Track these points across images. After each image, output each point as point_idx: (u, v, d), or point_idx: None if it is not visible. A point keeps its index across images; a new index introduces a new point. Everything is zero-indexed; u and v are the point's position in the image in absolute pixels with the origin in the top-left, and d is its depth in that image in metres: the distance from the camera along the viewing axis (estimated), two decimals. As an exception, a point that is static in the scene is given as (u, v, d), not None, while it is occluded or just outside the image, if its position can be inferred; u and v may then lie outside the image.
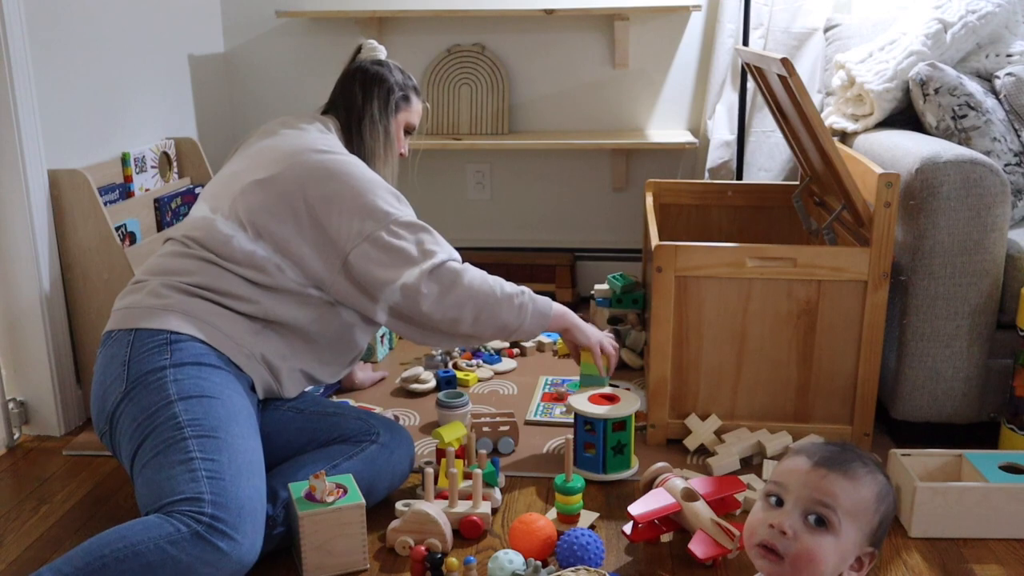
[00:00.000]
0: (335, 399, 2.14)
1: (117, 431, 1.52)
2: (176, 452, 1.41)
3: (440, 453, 1.81)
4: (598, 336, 1.89)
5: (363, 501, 1.51)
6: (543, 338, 2.57)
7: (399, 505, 1.66)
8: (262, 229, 1.65)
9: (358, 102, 1.87)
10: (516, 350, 2.53)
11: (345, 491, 1.52)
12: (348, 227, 1.65)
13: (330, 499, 1.49)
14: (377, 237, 1.65)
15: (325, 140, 1.76)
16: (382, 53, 1.95)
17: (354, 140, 1.86)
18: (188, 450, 1.41)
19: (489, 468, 1.70)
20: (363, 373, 2.31)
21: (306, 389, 1.80)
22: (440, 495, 1.68)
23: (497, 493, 1.72)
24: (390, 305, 1.68)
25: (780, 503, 1.10)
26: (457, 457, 1.74)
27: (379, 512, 1.68)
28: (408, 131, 1.95)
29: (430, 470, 1.65)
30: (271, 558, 1.56)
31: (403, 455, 1.73)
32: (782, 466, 1.14)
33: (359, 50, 1.94)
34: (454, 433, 1.83)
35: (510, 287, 1.74)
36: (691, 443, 1.92)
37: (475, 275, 1.71)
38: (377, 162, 1.86)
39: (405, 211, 1.71)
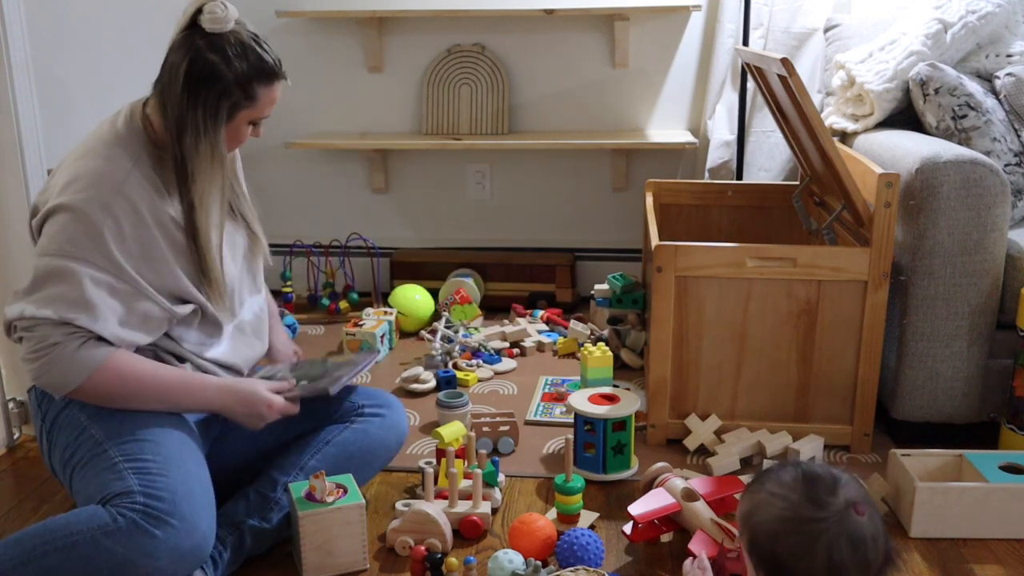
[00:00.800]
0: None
1: (59, 475, 1.49)
2: (100, 463, 1.39)
3: (440, 453, 1.81)
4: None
5: (363, 501, 1.51)
6: (543, 338, 2.57)
7: (399, 505, 1.66)
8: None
9: (180, 107, 1.43)
10: (516, 350, 2.53)
11: (345, 491, 1.52)
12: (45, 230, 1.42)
13: (330, 499, 1.49)
14: (36, 259, 1.42)
15: (94, 145, 1.47)
16: (229, 22, 1.44)
17: (173, 148, 1.45)
18: (111, 458, 1.39)
19: (489, 468, 1.71)
20: (279, 341, 1.89)
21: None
22: (440, 495, 1.68)
23: (497, 493, 1.72)
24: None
25: None
26: (457, 457, 1.74)
27: (379, 512, 1.68)
28: (256, 123, 1.53)
29: (430, 470, 1.65)
30: (271, 559, 1.56)
31: (395, 421, 1.72)
32: None
33: (199, 10, 1.46)
34: (454, 433, 1.83)
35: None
36: (691, 443, 1.92)
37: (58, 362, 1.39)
38: (201, 182, 1.47)
39: (86, 255, 1.39)
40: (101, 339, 1.40)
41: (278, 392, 1.56)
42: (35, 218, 1.48)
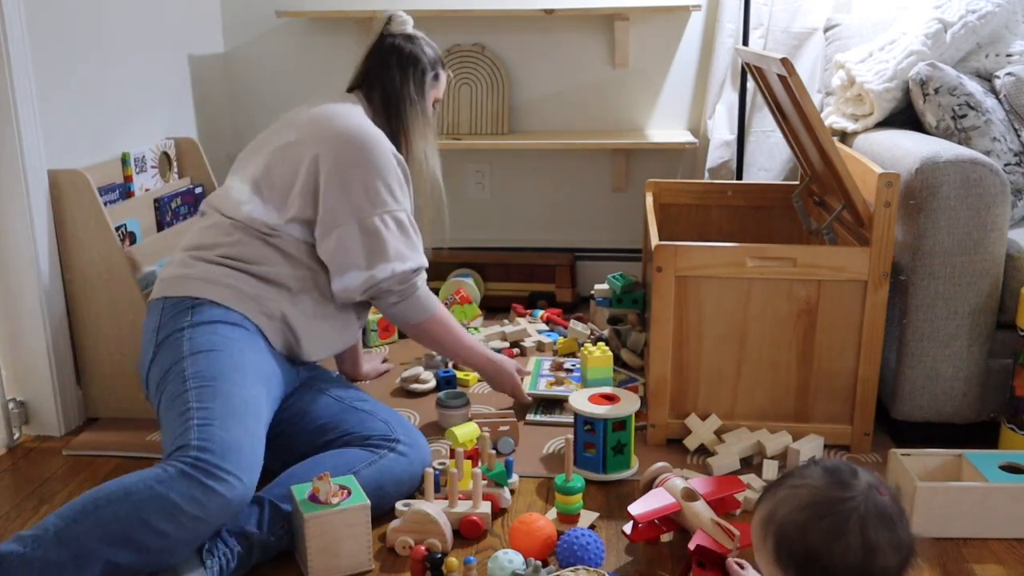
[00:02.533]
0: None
1: (150, 391, 1.67)
2: (179, 404, 1.55)
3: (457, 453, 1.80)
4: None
5: (368, 502, 1.51)
6: (543, 338, 2.57)
7: (399, 505, 1.66)
8: (266, 189, 1.76)
9: (395, 83, 1.88)
10: (516, 350, 2.53)
11: (349, 492, 1.52)
12: (346, 201, 1.74)
13: (335, 500, 1.49)
14: (368, 223, 1.74)
15: (355, 111, 1.84)
16: (411, 25, 1.95)
17: (392, 121, 1.88)
18: (187, 401, 1.54)
19: (499, 468, 1.70)
20: (368, 364, 2.35)
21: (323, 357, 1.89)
22: (461, 496, 1.67)
23: (507, 493, 1.72)
24: (345, 286, 1.77)
25: None
26: (468, 458, 1.74)
27: (380, 513, 1.68)
28: (435, 104, 1.98)
29: (429, 470, 1.65)
30: (274, 560, 1.56)
31: (419, 463, 1.73)
32: None
33: (389, 21, 1.93)
34: (468, 434, 1.82)
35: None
36: (691, 443, 1.92)
37: (429, 296, 1.87)
38: (419, 141, 1.91)
39: (403, 205, 1.80)
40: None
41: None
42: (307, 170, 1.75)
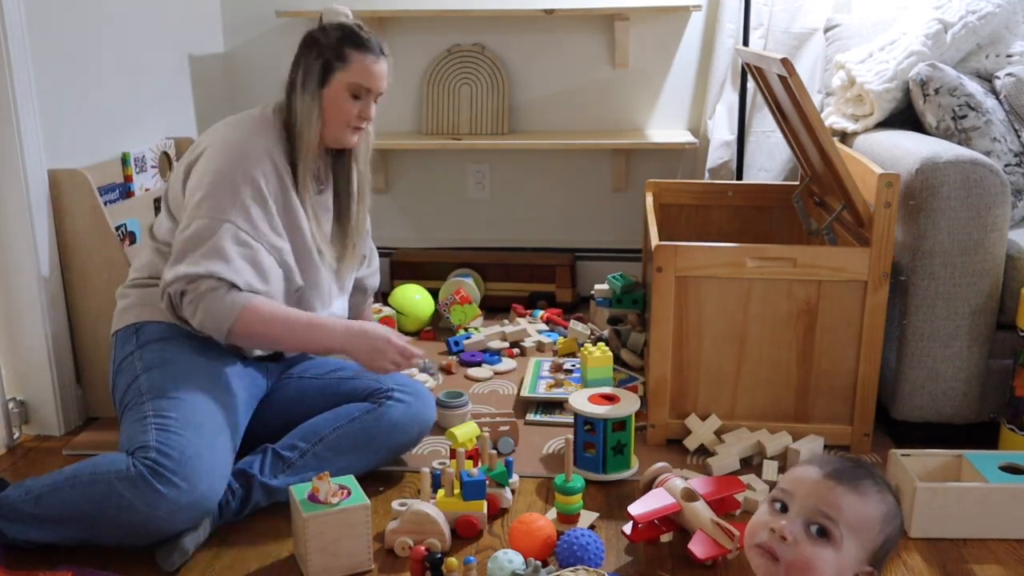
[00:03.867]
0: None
1: (119, 415, 1.69)
2: (136, 413, 1.60)
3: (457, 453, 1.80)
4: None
5: (368, 502, 1.51)
6: (543, 338, 2.57)
7: (395, 505, 1.66)
8: (169, 202, 1.76)
9: (290, 72, 1.75)
10: (516, 350, 2.53)
11: (349, 492, 1.52)
12: (187, 203, 1.66)
13: (335, 500, 1.49)
14: (185, 231, 1.63)
15: (239, 118, 1.76)
16: (342, 15, 1.77)
17: (290, 120, 1.74)
18: (145, 411, 1.59)
19: (500, 468, 1.70)
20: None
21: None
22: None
23: (508, 493, 1.72)
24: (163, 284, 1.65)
25: (785, 509, 1.11)
26: (469, 458, 1.74)
27: (377, 512, 1.68)
28: (357, 94, 1.74)
29: (427, 470, 1.65)
30: (275, 562, 1.56)
31: (421, 408, 1.81)
32: (792, 473, 1.15)
33: (321, 18, 1.78)
34: (468, 434, 1.82)
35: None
36: (691, 443, 1.92)
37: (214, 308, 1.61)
38: (303, 134, 1.72)
39: (229, 215, 1.62)
40: (236, 287, 1.62)
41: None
42: (184, 183, 1.70)
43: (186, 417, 1.57)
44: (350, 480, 1.56)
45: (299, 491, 1.52)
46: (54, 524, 1.51)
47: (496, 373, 2.39)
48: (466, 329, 2.60)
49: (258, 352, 1.80)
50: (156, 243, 1.78)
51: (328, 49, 1.71)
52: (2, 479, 1.59)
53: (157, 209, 2.32)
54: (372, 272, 2.13)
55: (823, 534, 1.07)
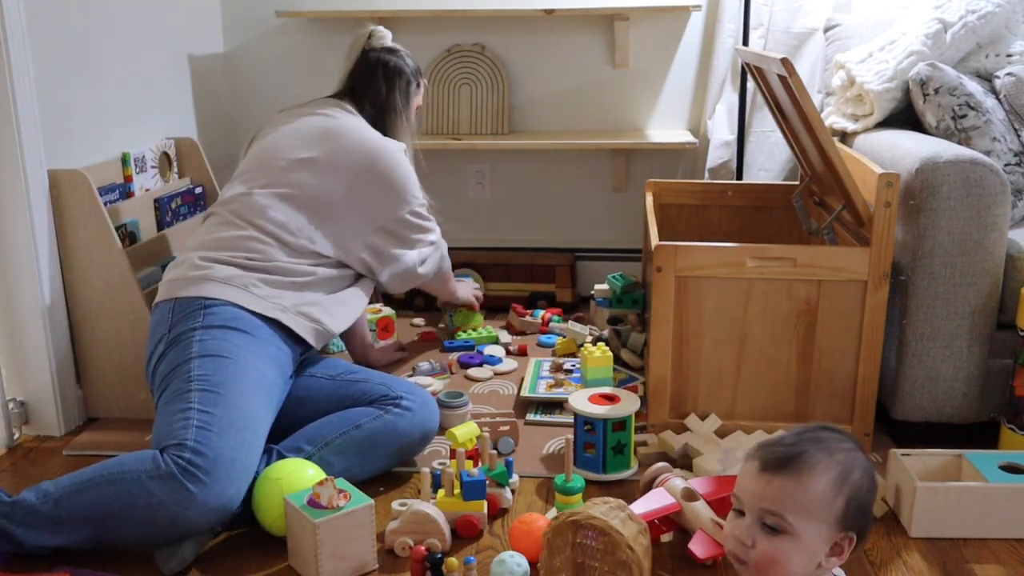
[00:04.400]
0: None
1: (154, 384, 1.72)
2: (180, 401, 1.60)
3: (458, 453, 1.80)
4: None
5: (372, 501, 1.51)
6: (543, 339, 2.56)
7: (395, 505, 1.66)
8: (308, 200, 1.90)
9: (382, 95, 2.10)
10: (515, 349, 2.53)
11: (349, 494, 1.51)
12: (384, 204, 1.98)
13: (341, 504, 1.48)
14: (404, 219, 2.01)
15: (360, 123, 2.04)
16: (390, 39, 2.16)
17: (381, 130, 2.07)
18: (189, 402, 1.59)
19: (500, 468, 1.70)
20: (380, 352, 2.39)
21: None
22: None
23: (508, 493, 1.72)
24: (393, 272, 2.03)
25: (742, 513, 1.13)
26: (469, 458, 1.74)
27: (377, 513, 1.67)
28: (417, 110, 2.21)
29: (427, 470, 1.65)
30: (274, 563, 1.56)
31: (426, 418, 1.82)
32: (740, 473, 1.16)
33: (370, 36, 2.13)
34: (467, 434, 1.82)
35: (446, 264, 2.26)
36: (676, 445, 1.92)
37: (445, 253, 2.23)
38: (408, 150, 2.10)
39: (422, 197, 2.07)
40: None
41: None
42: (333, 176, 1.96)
43: (229, 417, 1.58)
44: (342, 482, 1.55)
45: (297, 499, 1.51)
46: (73, 526, 1.50)
47: (496, 373, 2.39)
48: (466, 331, 2.60)
49: (330, 345, 2.02)
50: (263, 226, 1.86)
51: (412, 77, 2.15)
52: (4, 491, 1.56)
53: (158, 209, 2.32)
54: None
55: (776, 529, 1.09)
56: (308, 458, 1.69)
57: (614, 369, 2.22)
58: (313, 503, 1.48)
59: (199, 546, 1.56)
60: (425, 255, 2.10)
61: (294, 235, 1.87)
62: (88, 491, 1.50)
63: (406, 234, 2.03)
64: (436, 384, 2.28)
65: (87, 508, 1.50)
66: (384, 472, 1.82)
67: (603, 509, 1.36)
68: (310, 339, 1.85)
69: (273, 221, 1.86)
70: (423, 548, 1.49)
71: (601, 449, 1.80)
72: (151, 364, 1.74)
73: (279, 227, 1.87)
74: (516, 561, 1.45)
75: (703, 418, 1.93)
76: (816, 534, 1.09)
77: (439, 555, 1.46)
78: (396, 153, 2.01)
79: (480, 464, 1.75)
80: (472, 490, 1.62)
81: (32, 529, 1.50)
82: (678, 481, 1.60)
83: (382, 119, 2.10)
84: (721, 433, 1.91)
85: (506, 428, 1.93)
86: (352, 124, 2.02)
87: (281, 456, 1.69)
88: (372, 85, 2.10)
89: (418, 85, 2.17)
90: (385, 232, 2.00)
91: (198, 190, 2.49)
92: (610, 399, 1.84)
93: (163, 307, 1.77)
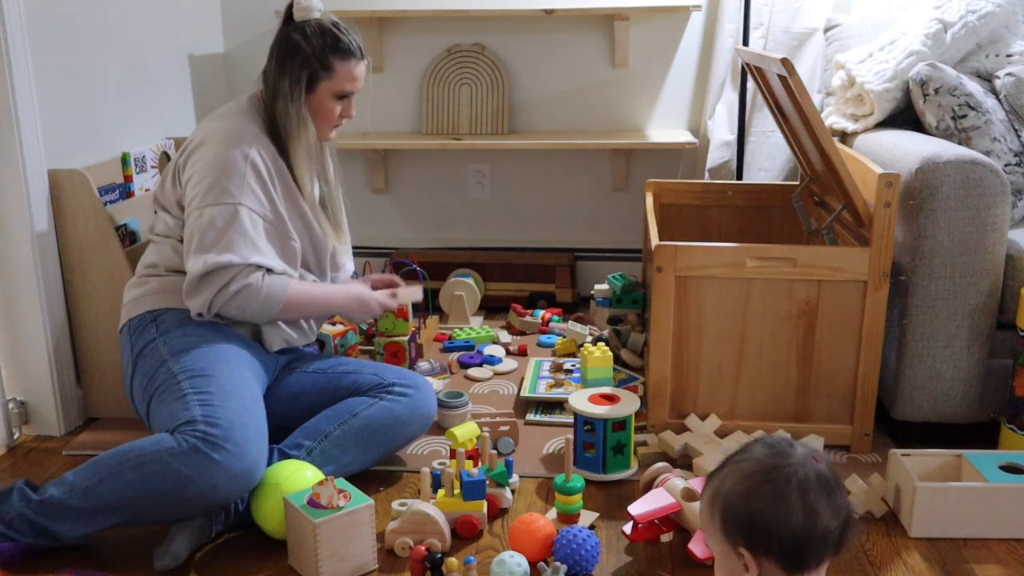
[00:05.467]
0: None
1: (137, 402, 1.73)
2: (173, 393, 1.62)
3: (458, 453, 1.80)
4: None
5: (372, 501, 1.51)
6: (543, 339, 2.57)
7: (395, 505, 1.66)
8: (161, 199, 1.82)
9: (273, 77, 1.78)
10: (515, 349, 2.53)
11: (349, 494, 1.51)
12: (191, 194, 1.71)
13: (341, 504, 1.48)
14: (198, 213, 1.68)
15: (226, 110, 1.82)
16: (315, 11, 1.77)
17: (274, 117, 1.79)
18: (182, 389, 1.61)
19: (500, 468, 1.70)
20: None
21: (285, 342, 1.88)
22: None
23: (508, 493, 1.72)
24: (188, 271, 1.70)
25: None
26: (469, 458, 1.74)
27: (377, 513, 1.68)
28: (340, 96, 1.81)
29: (427, 470, 1.65)
30: (274, 563, 1.56)
31: (423, 402, 1.84)
32: None
33: (290, 7, 1.78)
34: (468, 433, 1.82)
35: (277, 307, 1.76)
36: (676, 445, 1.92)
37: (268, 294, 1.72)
38: (292, 141, 1.78)
39: (238, 200, 1.68)
40: (270, 271, 1.73)
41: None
42: (176, 178, 1.76)
43: (224, 390, 1.60)
44: (342, 482, 1.55)
45: (297, 499, 1.51)
46: (107, 513, 1.52)
47: (496, 373, 2.39)
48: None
49: (277, 347, 1.85)
50: (158, 238, 1.82)
51: (313, 59, 1.75)
52: (31, 484, 1.57)
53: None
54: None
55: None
56: (309, 452, 1.70)
57: (614, 369, 2.22)
58: (313, 503, 1.48)
59: (192, 543, 1.56)
60: (218, 275, 1.68)
61: (177, 237, 1.78)
62: (113, 479, 1.51)
63: (199, 235, 1.67)
64: (436, 384, 2.28)
65: (117, 495, 1.51)
66: (389, 458, 1.84)
67: None
68: (248, 334, 1.81)
69: (159, 230, 1.82)
70: (423, 548, 1.49)
71: (601, 449, 1.80)
72: (128, 386, 1.75)
73: (163, 234, 1.81)
74: (516, 561, 1.45)
75: (703, 418, 1.93)
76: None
77: (439, 555, 1.46)
78: (215, 140, 1.71)
79: (480, 464, 1.75)
80: (472, 490, 1.62)
81: (68, 521, 1.51)
82: (678, 481, 1.60)
83: (272, 107, 1.78)
84: (721, 433, 1.91)
85: (506, 428, 1.93)
86: (217, 113, 1.81)
87: (283, 455, 1.69)
88: (268, 66, 1.79)
89: (325, 67, 1.75)
90: (188, 227, 1.70)
91: (198, 190, 2.49)
92: (610, 399, 1.84)
93: (123, 333, 1.80)
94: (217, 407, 1.56)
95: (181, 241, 1.76)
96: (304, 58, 1.75)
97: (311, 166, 1.82)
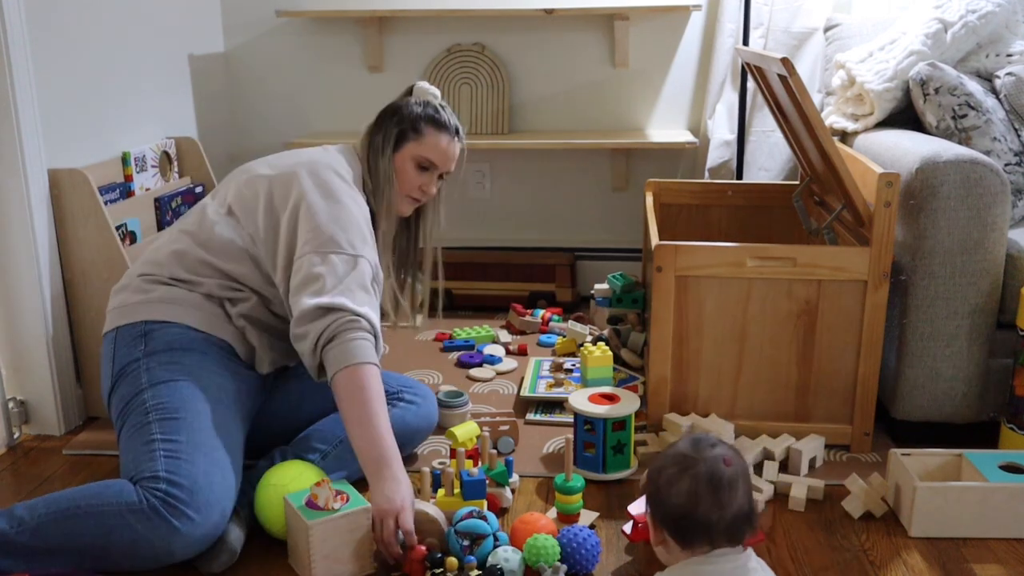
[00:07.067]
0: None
1: (112, 416, 1.66)
2: (142, 435, 1.54)
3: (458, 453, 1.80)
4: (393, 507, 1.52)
5: (368, 504, 1.51)
6: (543, 339, 2.57)
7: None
8: (240, 215, 1.72)
9: (369, 131, 1.85)
10: (515, 348, 2.53)
11: (347, 497, 1.51)
12: (302, 238, 1.63)
13: (336, 506, 1.48)
14: (310, 258, 1.61)
15: (337, 160, 1.77)
16: (431, 95, 1.87)
17: (367, 174, 1.82)
18: (151, 433, 1.53)
19: (500, 468, 1.70)
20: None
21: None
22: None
23: (508, 492, 1.72)
24: (294, 310, 1.61)
25: None
26: (469, 457, 1.74)
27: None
28: (424, 166, 1.84)
29: (427, 470, 1.65)
30: (275, 562, 1.56)
31: (429, 410, 1.87)
32: None
33: (409, 92, 1.88)
34: (467, 433, 1.82)
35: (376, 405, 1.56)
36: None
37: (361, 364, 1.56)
38: (377, 196, 1.80)
39: (358, 250, 1.64)
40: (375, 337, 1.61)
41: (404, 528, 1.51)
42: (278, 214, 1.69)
43: (194, 440, 1.52)
44: (344, 484, 1.55)
45: (295, 499, 1.51)
46: (51, 556, 1.45)
47: (497, 373, 2.39)
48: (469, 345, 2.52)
49: (268, 370, 1.75)
50: (200, 240, 1.71)
51: (407, 120, 1.82)
52: None
53: (158, 209, 2.32)
54: None
55: None
56: (324, 456, 1.69)
57: (614, 369, 2.22)
58: (311, 504, 1.48)
59: (243, 535, 1.55)
60: (341, 315, 1.57)
61: (234, 259, 1.71)
62: (66, 522, 1.44)
63: (306, 274, 1.60)
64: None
65: (65, 539, 1.44)
66: None
67: None
68: (246, 360, 1.73)
69: (216, 241, 1.71)
70: (423, 548, 1.49)
71: (601, 449, 1.80)
72: (106, 397, 1.68)
73: (220, 249, 1.71)
74: (505, 556, 1.46)
75: (703, 418, 1.93)
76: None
77: (439, 555, 1.46)
78: (339, 192, 1.68)
79: (480, 464, 1.75)
80: (472, 490, 1.62)
81: (9, 558, 1.43)
82: (678, 481, 1.60)
83: (366, 161, 1.83)
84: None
85: (506, 428, 1.93)
86: (320, 156, 1.79)
87: (298, 457, 1.67)
88: (370, 124, 1.87)
89: (415, 130, 1.81)
90: (314, 268, 1.61)
91: (198, 190, 2.49)
92: (610, 399, 1.84)
93: (108, 338, 1.71)
94: (183, 462, 1.48)
95: (222, 269, 1.69)
96: (400, 118, 1.82)
97: (389, 230, 1.82)
